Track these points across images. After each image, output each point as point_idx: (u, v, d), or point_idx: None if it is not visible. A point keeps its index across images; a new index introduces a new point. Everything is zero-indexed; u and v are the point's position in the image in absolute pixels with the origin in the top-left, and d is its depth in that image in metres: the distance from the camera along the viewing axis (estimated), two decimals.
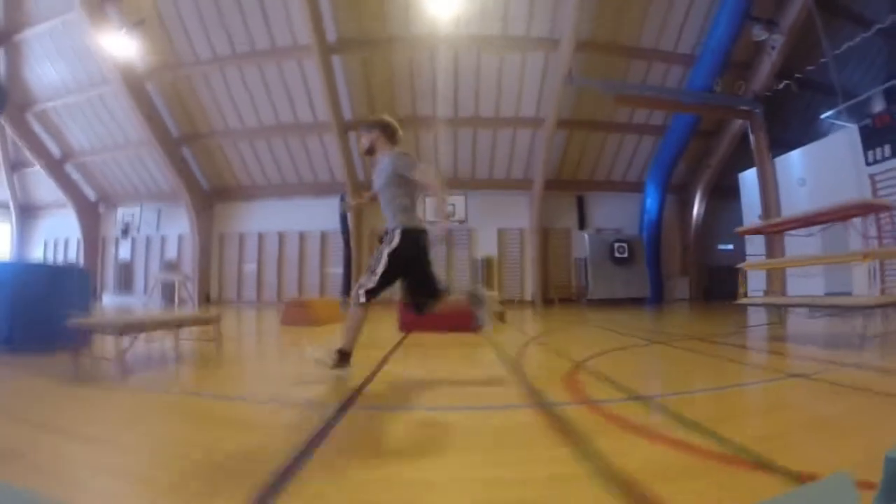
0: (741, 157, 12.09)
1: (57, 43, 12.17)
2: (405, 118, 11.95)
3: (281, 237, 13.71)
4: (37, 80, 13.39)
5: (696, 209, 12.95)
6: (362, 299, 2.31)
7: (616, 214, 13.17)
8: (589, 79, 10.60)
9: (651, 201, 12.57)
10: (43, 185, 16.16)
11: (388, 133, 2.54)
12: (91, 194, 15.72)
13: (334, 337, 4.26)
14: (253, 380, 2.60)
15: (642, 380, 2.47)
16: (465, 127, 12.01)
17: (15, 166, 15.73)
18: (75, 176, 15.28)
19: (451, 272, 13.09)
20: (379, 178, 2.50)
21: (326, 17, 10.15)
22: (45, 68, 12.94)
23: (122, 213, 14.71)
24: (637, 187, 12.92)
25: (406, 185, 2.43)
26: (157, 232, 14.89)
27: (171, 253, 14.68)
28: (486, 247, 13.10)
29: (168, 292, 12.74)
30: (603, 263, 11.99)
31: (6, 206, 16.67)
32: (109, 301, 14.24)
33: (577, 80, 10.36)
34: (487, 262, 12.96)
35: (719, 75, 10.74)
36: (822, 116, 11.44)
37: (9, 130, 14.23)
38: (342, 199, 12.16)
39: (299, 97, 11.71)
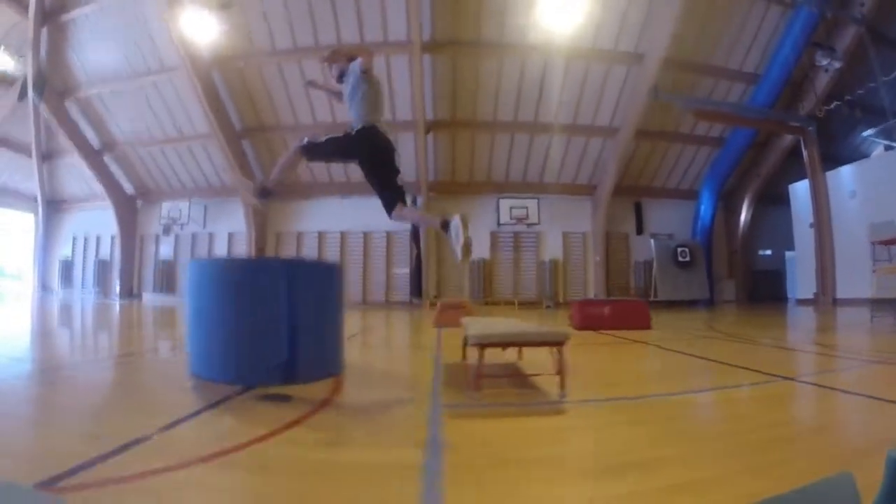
0: (787, 169, 13.11)
1: (110, 24, 11.55)
2: (485, 122, 12.20)
3: (343, 236, 13.52)
4: (81, 65, 12.67)
5: (744, 216, 13.87)
6: (299, 145, 2.65)
7: (669, 220, 13.88)
8: (668, 93, 11.22)
9: (705, 208, 13.36)
10: (74, 177, 15.23)
11: (353, 57, 2.78)
12: (128, 188, 14.92)
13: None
14: None
15: None
16: (542, 133, 12.36)
17: (45, 157, 14.68)
18: (113, 168, 14.46)
19: (519, 275, 13.37)
20: (346, 87, 2.76)
21: (424, 16, 10.24)
22: (94, 52, 12.26)
23: (168, 208, 14.04)
24: (689, 194, 13.69)
25: (365, 86, 2.64)
26: (204, 229, 14.31)
27: (220, 251, 14.15)
28: (552, 250, 13.46)
29: None
30: (668, 267, 12.62)
31: (31, 199, 15.52)
32: (151, 300, 13.53)
33: (662, 94, 10.95)
34: (553, 265, 13.32)
35: (778, 94, 11.68)
36: (864, 134, 12.63)
37: (45, 118, 13.31)
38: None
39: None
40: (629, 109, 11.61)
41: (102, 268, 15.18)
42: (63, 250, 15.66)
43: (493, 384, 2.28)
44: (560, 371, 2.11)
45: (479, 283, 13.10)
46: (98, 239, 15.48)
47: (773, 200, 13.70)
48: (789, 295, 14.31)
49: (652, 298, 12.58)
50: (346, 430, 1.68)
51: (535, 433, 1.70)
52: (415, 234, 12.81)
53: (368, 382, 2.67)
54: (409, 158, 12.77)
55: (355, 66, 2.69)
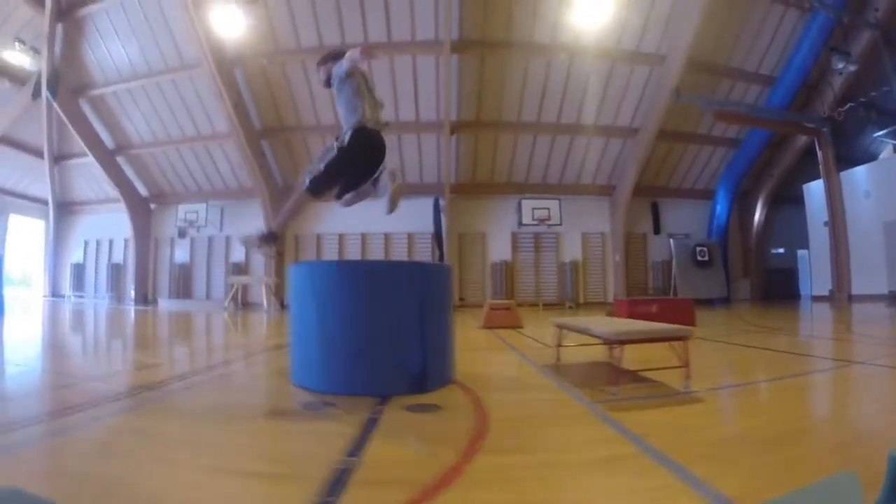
0: (800, 169, 13.40)
1: (130, 20, 11.38)
2: (509, 123, 12.26)
3: (364, 238, 13.48)
4: (97, 63, 12.46)
5: (758, 215, 14.13)
6: (306, 185, 2.50)
7: (685, 220, 14.07)
8: (689, 94, 11.39)
9: (721, 208, 13.59)
10: (85, 179, 14.99)
11: (340, 59, 2.62)
12: (142, 190, 14.70)
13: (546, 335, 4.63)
14: None
15: None
16: (564, 133, 12.46)
17: (56, 158, 14.40)
18: (127, 170, 14.24)
19: (541, 276, 13.45)
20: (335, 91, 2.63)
21: (452, 15, 10.26)
22: (111, 49, 12.05)
23: (185, 211, 13.87)
24: (705, 194, 13.91)
25: (353, 86, 2.51)
26: (221, 232, 14.17)
27: (238, 256, 14.02)
28: (572, 250, 13.56)
29: (236, 297, 12.21)
30: (687, 266, 12.79)
31: (41, 202, 15.22)
32: (168, 306, 13.34)
33: (684, 95, 11.12)
34: (573, 266, 13.42)
35: (794, 96, 11.94)
36: (875, 136, 12.97)
37: (58, 118, 13.06)
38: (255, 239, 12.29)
39: (405, 95, 11.67)
40: (651, 110, 11.77)
41: (116, 272, 14.94)
42: (74, 255, 15.37)
43: (615, 380, 2.36)
44: (685, 363, 2.31)
45: (501, 285, 13.15)
46: (111, 243, 15.23)
47: (786, 199, 13.99)
48: (802, 292, 14.63)
49: (671, 297, 12.76)
50: (532, 437, 1.66)
51: (702, 417, 1.92)
52: (437, 236, 12.82)
53: (492, 387, 2.66)
54: (431, 159, 12.83)
55: (337, 67, 2.53)
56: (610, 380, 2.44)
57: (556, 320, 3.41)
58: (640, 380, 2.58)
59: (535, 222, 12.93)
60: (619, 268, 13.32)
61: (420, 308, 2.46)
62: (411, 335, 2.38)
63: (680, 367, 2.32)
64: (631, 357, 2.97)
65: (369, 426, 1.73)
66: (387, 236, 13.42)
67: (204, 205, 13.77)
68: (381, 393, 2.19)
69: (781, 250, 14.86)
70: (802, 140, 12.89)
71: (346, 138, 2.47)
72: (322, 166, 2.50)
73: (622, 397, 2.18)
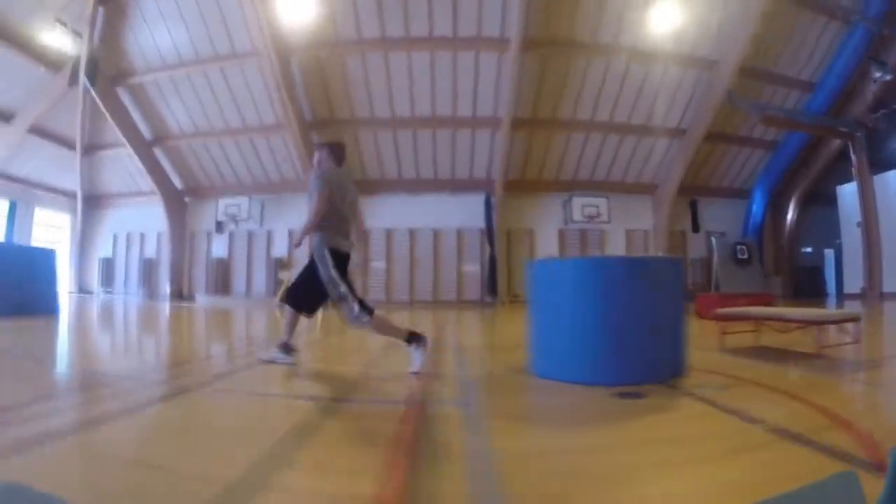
0: (832, 171, 14.00)
1: (180, 3, 11.00)
2: (563, 121, 12.41)
3: (412, 234, 13.43)
4: (139, 49, 12.02)
5: (791, 215, 14.70)
6: (365, 319, 2.50)
7: (721, 218, 14.52)
8: (739, 98, 11.78)
9: (756, 207, 14.10)
10: (116, 171, 14.47)
11: (335, 154, 2.79)
12: (177, 183, 14.26)
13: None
14: None
15: None
16: (615, 132, 12.70)
17: (86, 150, 13.82)
18: (163, 162, 13.80)
19: None
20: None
21: (521, 14, 10.32)
22: (156, 34, 11.61)
23: (225, 205, 13.52)
24: (741, 194, 14.39)
25: (314, 192, 2.60)
26: (262, 227, 13.87)
27: (280, 250, 13.76)
28: (616, 247, 13.83)
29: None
30: (728, 263, 13.20)
31: (67, 195, 14.58)
32: (208, 302, 12.99)
33: (736, 99, 11.50)
34: None
35: (832, 102, 12.50)
36: None
37: (92, 106, 12.55)
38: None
39: (465, 91, 11.68)
40: (699, 112, 12.13)
41: (148, 267, 14.44)
42: (102, 250, 14.79)
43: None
44: (857, 340, 3.09)
45: None
46: (142, 237, 14.72)
47: (817, 200, 14.59)
48: (829, 290, 15.29)
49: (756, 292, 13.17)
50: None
51: None
52: (489, 233, 12.88)
53: (726, 372, 2.59)
54: (483, 155, 12.90)
55: (310, 187, 2.61)
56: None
57: (733, 310, 3.69)
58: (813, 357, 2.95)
59: (586, 219, 13.13)
60: None
61: (664, 299, 2.53)
62: (661, 324, 2.47)
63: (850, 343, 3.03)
64: (778, 340, 3.57)
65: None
66: (436, 232, 13.40)
67: (246, 199, 13.46)
68: (640, 380, 2.21)
69: (809, 249, 15.49)
70: (836, 143, 13.48)
71: (315, 248, 2.57)
72: (296, 282, 2.71)
73: None
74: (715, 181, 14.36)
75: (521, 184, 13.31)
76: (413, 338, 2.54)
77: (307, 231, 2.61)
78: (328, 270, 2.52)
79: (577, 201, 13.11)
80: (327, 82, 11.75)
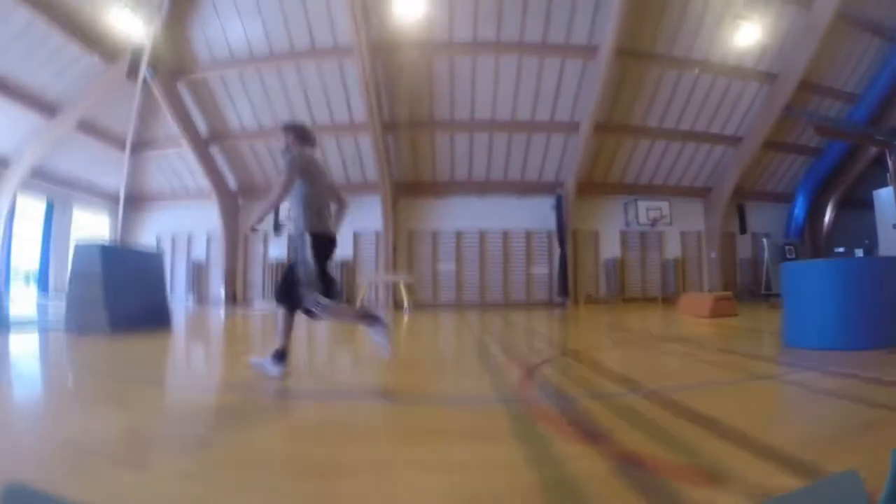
0: (867, 175, 15.05)
1: None
2: (634, 127, 12.73)
3: (482, 236, 13.41)
4: (206, 42, 11.43)
5: (828, 217, 15.70)
6: (324, 304, 2.47)
7: (765, 220, 15.32)
8: (797, 110, 12.51)
9: (799, 210, 15.00)
10: (160, 171, 13.68)
11: (302, 136, 2.77)
12: (231, 183, 13.63)
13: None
14: None
15: None
16: (678, 139, 13.16)
17: (134, 147, 12.93)
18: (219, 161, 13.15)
19: (646, 272, 14.08)
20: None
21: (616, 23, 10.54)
22: (228, 27, 11.05)
23: (288, 207, 13.00)
24: (784, 197, 15.25)
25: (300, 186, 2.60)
26: None
27: (345, 252, 13.39)
28: (673, 248, 14.33)
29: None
30: (777, 264, 13.97)
31: (106, 195, 13.62)
32: (264, 307, 12.49)
33: (794, 111, 12.22)
34: (676, 263, 14.20)
35: (874, 113, 13.49)
36: None
37: (147, 102, 11.81)
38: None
39: (547, 96, 11.78)
40: (757, 122, 12.79)
41: (197, 271, 13.71)
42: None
43: None
44: None
45: (614, 282, 13.63)
46: (189, 239, 13.96)
47: (851, 203, 15.65)
48: None
49: (764, 291, 13.90)
50: None
51: None
52: (560, 233, 13.05)
53: None
54: (554, 158, 13.07)
55: (289, 159, 2.58)
56: None
57: None
58: None
59: (650, 222, 13.53)
60: (716, 264, 14.27)
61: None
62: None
63: None
64: None
65: None
66: (505, 234, 13.44)
67: None
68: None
69: (842, 249, 16.59)
70: (872, 151, 14.54)
71: (305, 252, 2.49)
72: (281, 280, 2.60)
73: None
74: (760, 185, 15.13)
75: (589, 186, 13.56)
76: (370, 319, 2.54)
77: (264, 214, 2.63)
78: (304, 252, 2.47)
79: (643, 204, 13.49)
80: (411, 83, 11.54)
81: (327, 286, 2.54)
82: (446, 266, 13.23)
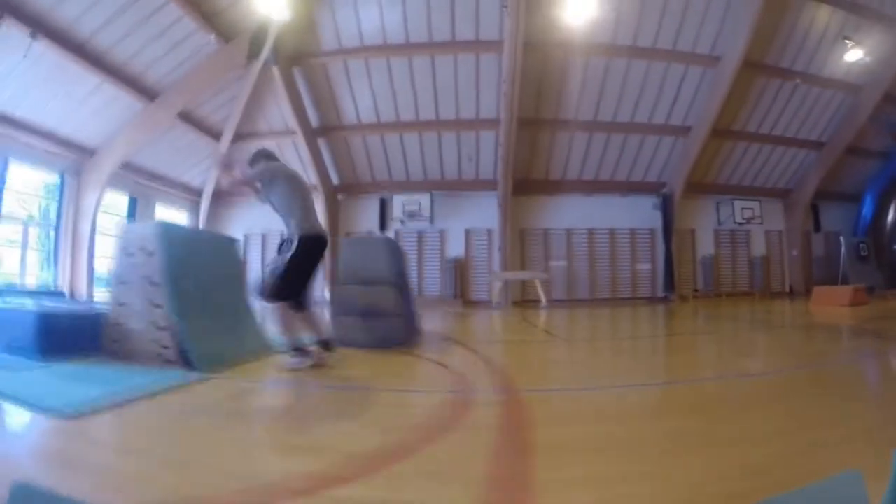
0: None
1: None
2: (735, 131, 13.15)
3: (591, 234, 13.48)
4: (334, 25, 10.71)
5: (891, 216, 16.79)
6: (277, 300, 2.67)
7: (835, 219, 16.20)
8: (889, 120, 13.36)
9: (867, 209, 16.03)
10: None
11: (266, 156, 3.06)
12: (334, 178, 13.06)
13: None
14: None
15: None
16: (769, 143, 13.74)
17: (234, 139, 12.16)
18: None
19: (736, 269, 14.59)
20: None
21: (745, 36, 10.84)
22: (363, 11, 10.34)
23: (403, 202, 12.63)
24: (852, 197, 16.20)
25: (281, 187, 2.87)
26: (432, 225, 13.14)
27: (455, 251, 13.13)
28: (758, 246, 14.94)
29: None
30: (852, 260, 14.85)
31: (188, 190, 12.71)
32: None
33: (879, 120, 13.06)
34: (763, 260, 14.80)
35: None
36: None
37: (255, 89, 11.14)
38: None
39: (666, 100, 12.02)
40: (842, 129, 13.57)
41: None
42: None
43: None
44: None
45: (710, 278, 14.04)
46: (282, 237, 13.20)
47: None
48: None
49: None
50: None
51: None
52: (666, 231, 13.31)
53: None
54: (661, 159, 13.35)
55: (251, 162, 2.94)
56: None
57: None
58: None
59: (744, 221, 14.04)
60: (797, 261, 14.99)
61: None
62: None
63: None
64: None
65: None
66: (612, 232, 13.58)
67: (427, 195, 12.69)
68: None
69: None
70: None
71: (294, 249, 2.69)
72: (276, 278, 2.71)
73: None
74: (833, 186, 16.03)
75: (691, 186, 13.91)
76: (301, 351, 2.63)
77: (223, 166, 3.01)
78: (286, 254, 2.67)
79: (738, 204, 13.99)
80: (547, 81, 11.43)
81: (300, 292, 2.69)
82: (559, 264, 13.21)
